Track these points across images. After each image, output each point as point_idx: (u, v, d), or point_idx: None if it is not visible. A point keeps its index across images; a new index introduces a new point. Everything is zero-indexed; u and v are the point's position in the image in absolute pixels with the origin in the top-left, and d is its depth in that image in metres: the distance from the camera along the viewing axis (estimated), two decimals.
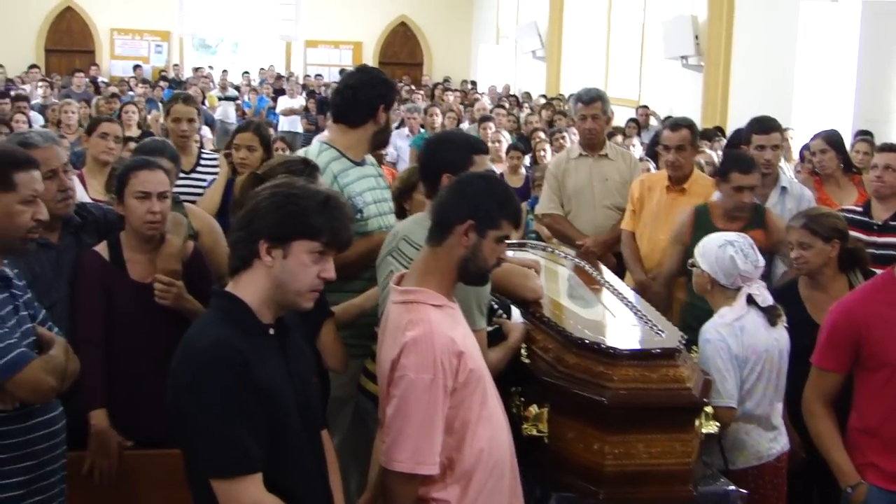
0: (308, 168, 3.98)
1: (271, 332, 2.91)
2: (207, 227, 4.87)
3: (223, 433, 2.70)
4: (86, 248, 4.23)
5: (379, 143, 4.86)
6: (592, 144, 6.71)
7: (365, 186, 4.65)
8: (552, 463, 3.63)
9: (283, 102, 19.26)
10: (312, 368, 3.22)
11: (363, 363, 4.37)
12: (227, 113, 18.90)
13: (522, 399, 3.77)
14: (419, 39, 28.02)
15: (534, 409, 3.67)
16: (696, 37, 14.67)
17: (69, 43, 26.42)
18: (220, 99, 19.68)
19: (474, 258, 3.22)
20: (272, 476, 2.78)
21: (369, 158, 4.85)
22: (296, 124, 18.79)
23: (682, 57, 15.20)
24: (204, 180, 6.09)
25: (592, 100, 6.65)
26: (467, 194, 3.24)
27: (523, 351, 3.86)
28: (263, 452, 2.75)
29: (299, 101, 19.47)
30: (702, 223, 5.43)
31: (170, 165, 4.74)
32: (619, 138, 11.78)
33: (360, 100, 4.73)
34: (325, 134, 4.90)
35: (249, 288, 2.88)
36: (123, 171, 4.19)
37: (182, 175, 5.71)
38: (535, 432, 3.64)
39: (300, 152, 4.78)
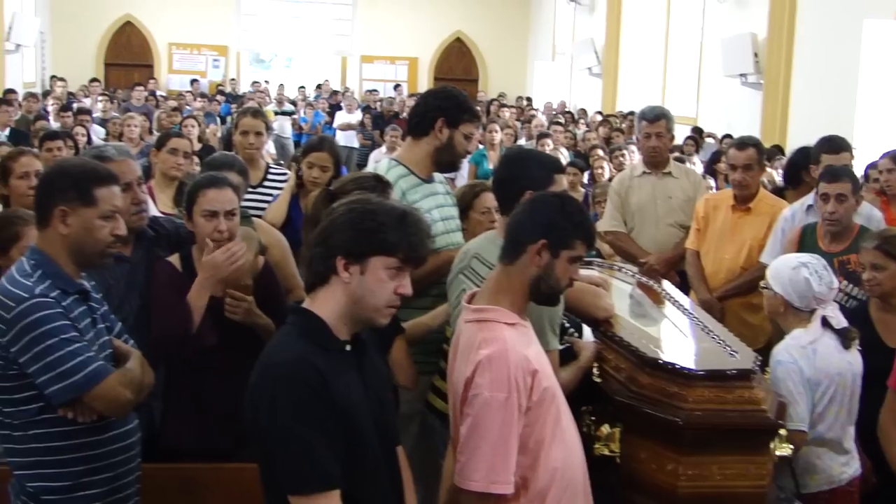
0: (380, 185, 3.99)
1: (348, 348, 2.92)
2: (275, 242, 4.89)
3: (302, 450, 2.72)
4: (159, 258, 4.27)
5: (443, 161, 4.74)
6: (656, 162, 6.69)
7: (433, 204, 4.64)
8: (624, 483, 3.60)
9: (341, 117, 19.38)
10: (388, 384, 3.22)
11: (431, 380, 4.38)
12: (283, 128, 19.02)
13: (593, 418, 3.74)
14: (475, 55, 28.04)
15: (606, 428, 3.64)
16: (756, 54, 14.56)
17: (128, 57, 26.71)
18: (276, 114, 19.78)
19: (546, 278, 3.21)
20: (349, 492, 2.78)
21: (438, 177, 4.85)
22: (352, 139, 18.90)
23: (741, 75, 15.10)
24: (270, 194, 6.11)
25: (657, 118, 6.63)
26: (541, 213, 3.23)
27: (595, 370, 3.84)
28: (341, 469, 2.76)
29: (356, 115, 19.58)
30: (807, 242, 5.38)
31: (238, 180, 4.78)
32: (677, 155, 11.70)
33: (422, 110, 4.76)
34: (382, 149, 4.91)
35: (326, 304, 2.89)
36: (192, 189, 4.23)
37: (249, 189, 5.74)
38: (606, 452, 3.61)
39: (370, 168, 4.80)
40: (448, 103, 4.70)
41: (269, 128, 6.58)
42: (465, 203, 5.14)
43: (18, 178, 5.38)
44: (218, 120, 17.66)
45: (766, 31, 14.35)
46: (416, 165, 4.66)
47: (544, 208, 3.25)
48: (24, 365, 3.22)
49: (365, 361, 2.97)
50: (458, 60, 28.14)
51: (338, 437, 2.76)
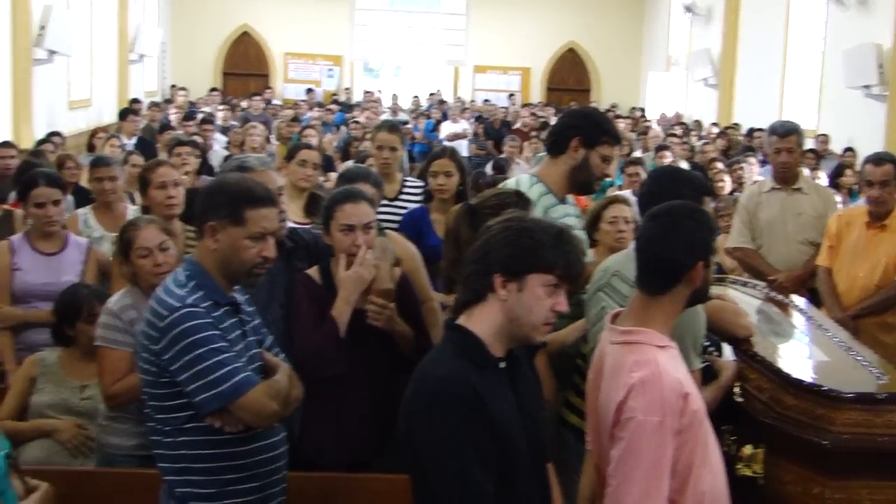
0: (521, 201, 4.00)
1: (502, 365, 2.93)
2: (409, 254, 4.94)
3: (455, 467, 2.73)
4: (298, 272, 4.34)
5: (579, 183, 4.71)
6: (786, 178, 6.60)
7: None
8: None
9: (447, 128, 19.37)
10: (541, 401, 3.23)
11: (565, 396, 4.38)
12: None
13: (734, 438, 3.70)
14: (587, 65, 27.90)
15: (748, 449, 3.59)
16: (881, 65, 14.22)
17: (245, 66, 27.16)
18: None
19: (704, 289, 3.24)
20: None
21: (570, 199, 4.84)
22: (461, 149, 18.86)
23: (865, 86, 14.76)
24: (406, 207, 6.18)
25: (788, 132, 6.53)
26: (686, 235, 3.18)
27: (736, 389, 3.79)
28: (493, 486, 2.77)
29: (462, 125, 19.54)
30: None
31: (373, 192, 4.85)
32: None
33: (559, 129, 4.76)
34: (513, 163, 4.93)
35: (483, 321, 2.91)
36: (329, 204, 4.30)
37: (386, 202, 5.81)
38: (749, 473, 3.56)
39: (510, 183, 4.81)
40: (585, 122, 4.69)
41: (403, 142, 6.65)
42: (596, 213, 5.15)
43: (157, 188, 5.50)
44: (332, 129, 17.84)
45: (892, 41, 14.01)
46: (553, 184, 4.67)
47: (689, 227, 3.20)
48: (174, 373, 3.28)
49: (518, 378, 2.99)
50: (570, 71, 28.03)
51: (491, 454, 2.77)
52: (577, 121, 4.74)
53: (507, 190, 4.22)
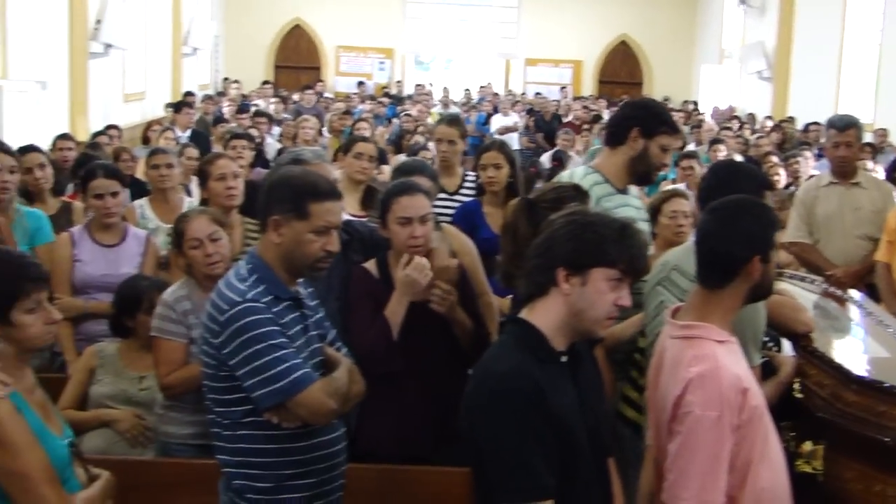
0: (579, 194, 3.99)
1: (564, 359, 2.94)
2: (466, 248, 4.95)
3: (518, 460, 2.74)
4: (355, 265, 4.36)
5: (638, 173, 4.69)
6: (845, 172, 6.53)
7: (624, 215, 4.60)
8: (828, 502, 3.51)
9: (497, 121, 19.33)
10: (602, 395, 3.22)
11: (621, 389, 4.37)
12: None
13: (793, 434, 3.67)
14: (639, 58, 27.75)
15: (808, 445, 3.55)
16: None
17: (296, 59, 27.29)
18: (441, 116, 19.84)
19: (765, 285, 3.20)
20: (561, 503, 2.80)
21: (633, 190, 4.82)
22: (512, 142, 18.81)
23: None
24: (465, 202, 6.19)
25: (847, 126, 6.46)
26: (742, 227, 3.15)
27: (796, 385, 3.76)
28: (555, 480, 2.77)
29: (513, 118, 19.49)
30: None
31: (429, 185, 4.86)
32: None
33: (618, 120, 4.76)
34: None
35: (545, 315, 2.92)
36: (386, 197, 4.32)
37: (445, 196, 5.82)
38: (809, 470, 3.52)
39: (564, 176, 4.80)
40: (644, 113, 4.68)
41: (463, 136, 6.64)
42: (655, 207, 5.13)
43: (216, 179, 5.56)
44: (385, 122, 17.86)
45: None
46: (612, 175, 4.66)
47: (746, 221, 3.16)
48: (233, 368, 3.28)
49: (580, 373, 2.99)
50: (622, 63, 27.88)
51: (553, 448, 2.78)
52: (636, 111, 4.73)
53: (564, 183, 4.20)
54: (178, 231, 4.62)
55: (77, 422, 4.52)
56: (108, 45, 15.19)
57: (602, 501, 3.02)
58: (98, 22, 14.66)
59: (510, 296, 5.05)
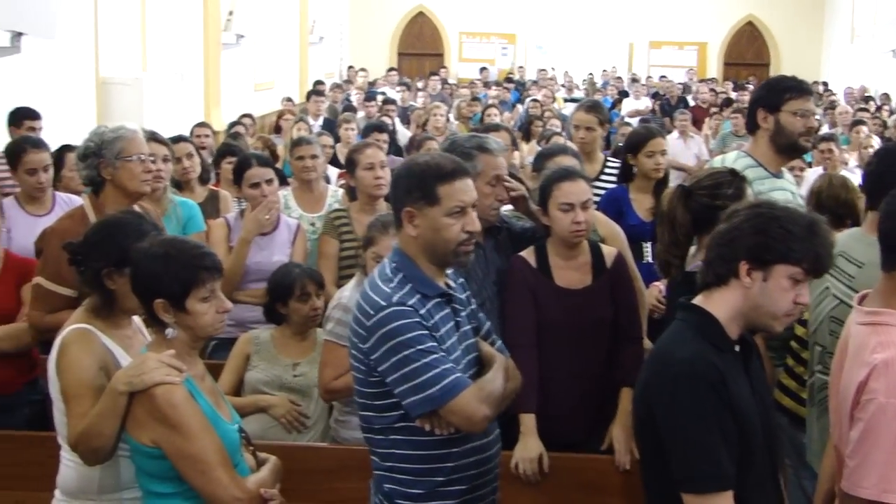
0: (736, 179, 3.95)
1: (737, 348, 2.92)
2: (614, 234, 4.94)
3: (701, 448, 2.74)
4: (513, 254, 4.38)
5: (784, 148, 4.60)
6: None
7: (780, 199, 4.56)
8: None
9: (628, 104, 19.18)
10: (768, 387, 3.19)
11: (776, 377, 4.32)
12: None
13: None
14: (766, 39, 27.14)
15: None
16: None
17: (420, 46, 27.42)
18: (565, 101, 19.76)
19: None
20: (739, 496, 2.79)
21: (788, 176, 4.76)
22: None
23: None
24: (607, 188, 6.19)
25: None
26: None
27: None
28: (735, 470, 2.76)
29: (644, 102, 19.30)
30: None
31: (575, 162, 4.91)
32: None
33: (748, 109, 4.82)
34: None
35: (722, 305, 2.91)
36: (546, 183, 4.33)
37: None
38: None
39: (716, 161, 4.77)
40: (762, 91, 4.72)
41: (602, 122, 6.62)
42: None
43: (365, 169, 5.65)
44: (510, 108, 17.82)
45: None
46: (763, 159, 4.61)
47: None
48: (383, 373, 3.19)
49: (751, 364, 2.97)
50: (749, 44, 27.28)
51: (733, 438, 2.77)
52: (757, 94, 4.83)
53: (720, 169, 4.16)
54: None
55: (235, 407, 4.65)
56: (240, 36, 15.51)
57: (774, 499, 2.99)
58: (230, 13, 14.96)
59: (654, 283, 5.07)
